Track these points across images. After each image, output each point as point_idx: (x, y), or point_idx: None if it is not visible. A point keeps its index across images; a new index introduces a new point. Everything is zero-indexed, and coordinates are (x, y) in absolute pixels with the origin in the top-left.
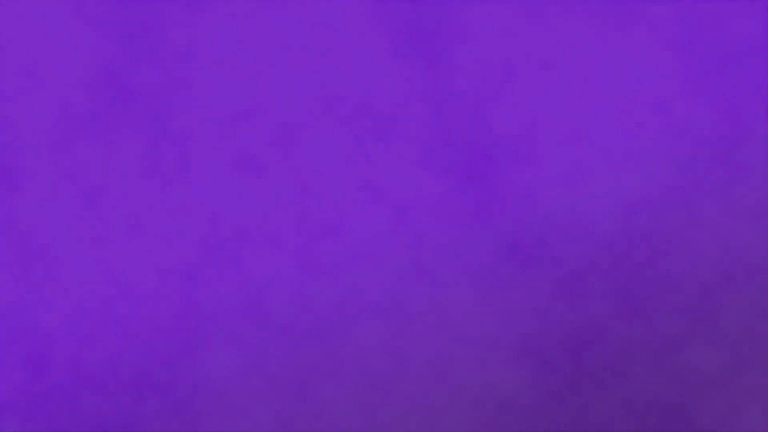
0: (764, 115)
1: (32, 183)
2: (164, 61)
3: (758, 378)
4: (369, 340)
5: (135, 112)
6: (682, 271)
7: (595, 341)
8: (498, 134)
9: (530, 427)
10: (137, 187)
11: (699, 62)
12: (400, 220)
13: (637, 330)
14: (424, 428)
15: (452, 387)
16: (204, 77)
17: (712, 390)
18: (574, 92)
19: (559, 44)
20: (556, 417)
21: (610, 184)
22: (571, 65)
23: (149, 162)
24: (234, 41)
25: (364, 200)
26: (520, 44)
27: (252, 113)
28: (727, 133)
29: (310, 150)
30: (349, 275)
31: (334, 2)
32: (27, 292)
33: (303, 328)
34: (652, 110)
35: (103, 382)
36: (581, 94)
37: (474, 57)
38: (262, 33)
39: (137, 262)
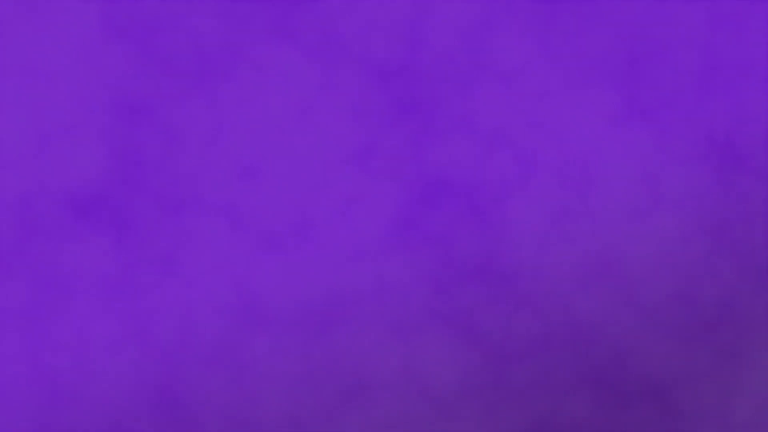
0: (764, 115)
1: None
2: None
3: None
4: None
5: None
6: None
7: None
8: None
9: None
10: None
11: (698, 63)
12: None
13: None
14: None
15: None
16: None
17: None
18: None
19: (549, 42)
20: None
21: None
22: (565, 64)
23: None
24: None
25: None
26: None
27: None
28: (727, 133)
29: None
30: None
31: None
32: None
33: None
34: (650, 112)
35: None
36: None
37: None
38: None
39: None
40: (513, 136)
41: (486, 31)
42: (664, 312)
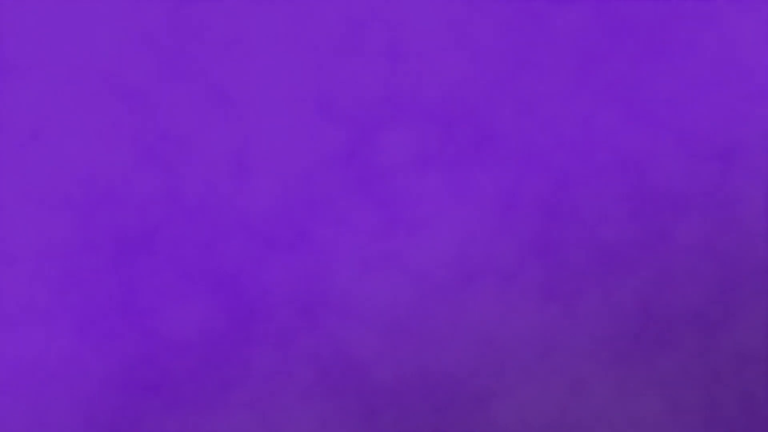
0: (764, 115)
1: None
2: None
3: None
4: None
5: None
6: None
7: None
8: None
9: None
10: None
11: (698, 62)
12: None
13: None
14: None
15: None
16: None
17: None
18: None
19: (548, 41)
20: None
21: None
22: (567, 60)
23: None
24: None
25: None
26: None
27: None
28: (727, 133)
29: None
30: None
31: None
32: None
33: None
34: (648, 111)
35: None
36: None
37: None
38: None
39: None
40: (508, 136)
41: (480, 31)
42: (663, 312)
